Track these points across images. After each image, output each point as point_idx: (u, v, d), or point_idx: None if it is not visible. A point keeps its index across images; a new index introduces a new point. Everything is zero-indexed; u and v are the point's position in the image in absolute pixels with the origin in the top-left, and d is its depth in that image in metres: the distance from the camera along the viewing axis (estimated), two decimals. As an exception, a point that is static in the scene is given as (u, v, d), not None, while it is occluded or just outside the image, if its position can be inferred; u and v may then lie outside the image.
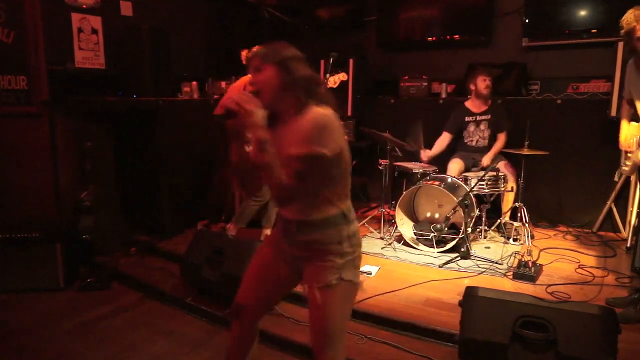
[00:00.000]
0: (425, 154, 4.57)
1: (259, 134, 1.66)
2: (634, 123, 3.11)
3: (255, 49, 3.65)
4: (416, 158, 4.58)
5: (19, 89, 3.86)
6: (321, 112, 1.72)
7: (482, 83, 4.44)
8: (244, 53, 3.76)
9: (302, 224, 1.81)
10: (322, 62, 5.43)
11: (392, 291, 3.23)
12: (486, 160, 4.36)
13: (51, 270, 3.64)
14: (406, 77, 5.43)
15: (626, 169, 3.20)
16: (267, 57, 1.78)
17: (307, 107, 1.73)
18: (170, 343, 2.91)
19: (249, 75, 3.81)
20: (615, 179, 3.62)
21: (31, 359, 2.79)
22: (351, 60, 5.32)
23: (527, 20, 4.87)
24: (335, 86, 3.79)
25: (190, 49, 5.29)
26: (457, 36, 5.33)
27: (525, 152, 4.00)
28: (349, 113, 5.42)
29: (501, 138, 4.47)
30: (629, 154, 3.14)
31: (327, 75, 3.57)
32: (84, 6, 4.32)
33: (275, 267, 1.93)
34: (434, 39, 5.48)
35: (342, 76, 3.85)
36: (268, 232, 4.09)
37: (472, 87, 4.51)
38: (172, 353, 2.83)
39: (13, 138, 3.91)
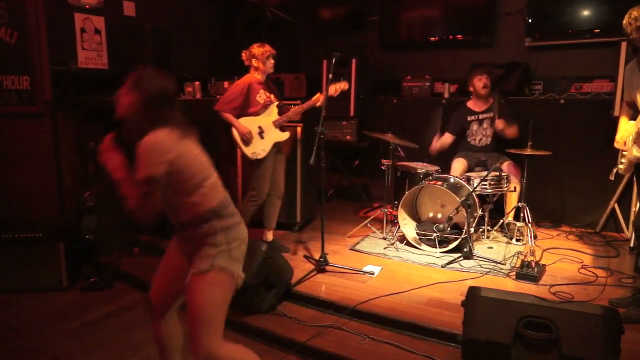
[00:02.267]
0: (437, 140, 4.60)
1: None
2: (631, 122, 3.12)
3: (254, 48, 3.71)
4: (419, 158, 4.57)
5: (22, 89, 3.87)
6: (150, 137, 1.86)
7: (478, 83, 4.43)
8: (244, 54, 3.77)
9: (179, 224, 2.01)
10: (325, 62, 5.44)
11: (396, 293, 3.23)
12: (500, 123, 4.30)
13: (54, 270, 3.65)
14: (409, 77, 5.43)
15: (622, 167, 3.19)
16: (134, 84, 1.96)
17: (149, 131, 1.88)
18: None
19: (252, 75, 3.83)
20: (611, 178, 3.61)
21: (34, 357, 2.79)
22: (353, 61, 5.32)
23: (529, 20, 4.86)
24: (335, 95, 3.79)
25: (192, 49, 5.30)
26: (459, 36, 5.33)
27: (528, 152, 3.99)
28: (352, 113, 5.42)
29: (514, 127, 4.40)
30: (624, 152, 3.14)
31: (330, 75, 3.56)
32: (87, 6, 4.33)
33: (176, 262, 2.09)
34: (436, 39, 5.48)
35: (343, 85, 3.84)
36: (270, 234, 4.09)
37: (471, 88, 4.51)
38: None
39: (16, 138, 3.92)
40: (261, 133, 3.79)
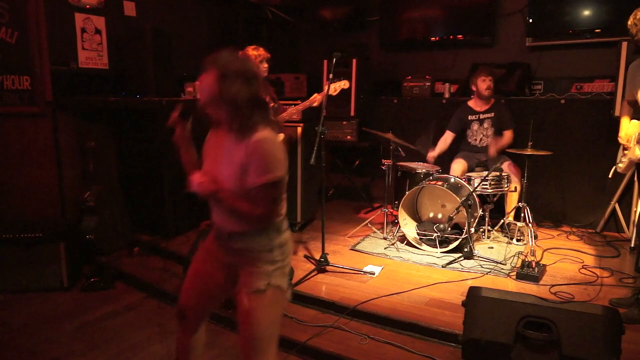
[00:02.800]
0: (431, 155, 4.57)
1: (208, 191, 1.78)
2: (634, 121, 3.12)
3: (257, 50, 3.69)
4: (419, 158, 4.58)
5: (22, 89, 3.88)
6: (264, 137, 1.75)
7: (482, 84, 4.42)
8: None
9: (234, 233, 1.85)
10: (325, 62, 5.44)
11: (396, 293, 3.22)
12: (492, 150, 4.32)
13: (55, 269, 3.65)
14: (409, 77, 5.43)
15: (621, 165, 3.19)
16: (214, 63, 1.76)
17: (253, 130, 1.75)
18: (173, 343, 2.90)
19: None
20: (610, 175, 3.62)
21: (34, 358, 2.79)
22: (354, 61, 5.32)
23: (530, 20, 4.86)
24: (335, 94, 3.77)
25: (193, 49, 5.30)
26: (460, 36, 5.33)
27: (529, 152, 3.99)
28: (352, 113, 5.42)
29: (507, 134, 4.45)
30: (625, 151, 3.14)
31: (330, 75, 3.55)
32: (88, 6, 4.33)
33: (211, 273, 1.97)
34: (437, 38, 5.48)
35: (343, 84, 3.83)
36: None
37: (474, 87, 4.50)
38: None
39: (17, 138, 3.93)
40: None
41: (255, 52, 3.67)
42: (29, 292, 3.59)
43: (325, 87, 3.68)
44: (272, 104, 3.86)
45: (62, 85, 4.02)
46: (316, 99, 3.80)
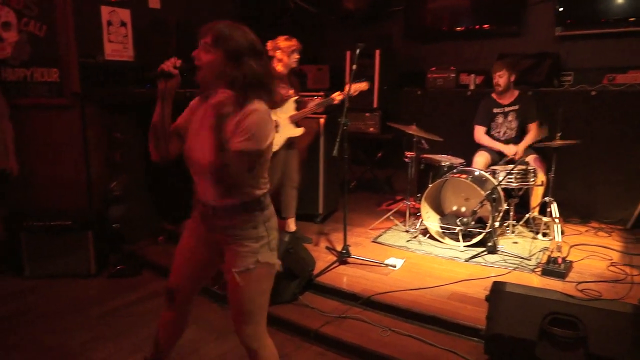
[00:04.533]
0: (515, 149, 4.31)
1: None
2: None
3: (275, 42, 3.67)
4: (442, 150, 4.50)
5: (51, 81, 3.96)
6: (258, 109, 1.72)
7: (498, 79, 4.31)
8: (269, 44, 3.76)
9: (218, 209, 1.84)
10: (348, 53, 5.41)
11: (419, 288, 3.20)
12: (519, 151, 4.25)
13: (83, 257, 3.75)
14: (434, 68, 5.36)
15: None
16: (219, 42, 1.72)
17: (251, 102, 1.73)
18: (196, 330, 2.95)
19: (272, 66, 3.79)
20: None
21: (61, 343, 2.87)
22: (377, 51, 5.28)
23: (560, 9, 4.73)
24: (354, 94, 3.74)
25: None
26: (486, 26, 5.22)
27: (557, 143, 3.89)
28: (375, 105, 5.39)
29: (532, 129, 4.36)
30: None
31: (354, 67, 3.52)
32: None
33: (197, 251, 1.98)
34: (462, 28, 5.38)
35: (363, 86, 3.78)
36: (292, 223, 4.10)
37: (494, 81, 4.40)
38: (198, 340, 2.87)
39: (46, 129, 4.02)
40: (276, 127, 3.79)
41: (288, 42, 3.67)
42: (59, 278, 3.69)
43: (347, 88, 3.65)
44: (296, 97, 3.87)
45: (89, 77, 4.08)
46: (336, 98, 3.77)
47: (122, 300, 3.42)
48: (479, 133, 4.51)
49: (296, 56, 3.73)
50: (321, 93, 4.16)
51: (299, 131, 3.88)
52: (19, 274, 3.71)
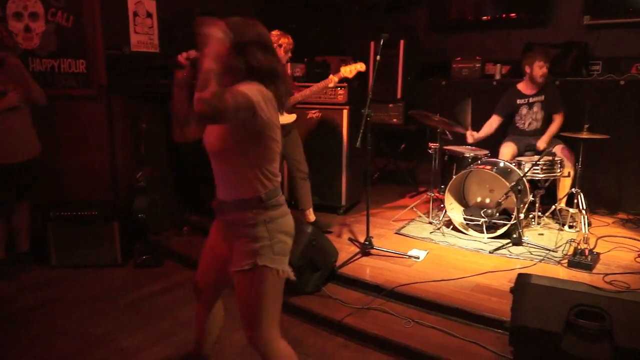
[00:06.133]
0: (472, 136, 4.43)
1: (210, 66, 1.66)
2: None
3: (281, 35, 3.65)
4: (465, 142, 4.46)
5: (78, 72, 4.02)
6: (262, 88, 1.73)
7: (538, 70, 4.21)
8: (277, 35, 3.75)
9: (225, 204, 1.85)
10: (372, 43, 5.37)
11: (442, 280, 3.18)
12: (542, 143, 4.18)
13: (110, 247, 3.82)
14: (459, 59, 5.29)
15: None
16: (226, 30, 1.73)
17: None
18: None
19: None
20: None
21: (87, 331, 2.93)
22: (401, 42, 5.22)
23: (589, -3, 4.61)
24: (351, 76, 3.70)
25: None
26: (513, 14, 5.12)
27: (585, 135, 3.82)
28: (399, 95, 5.34)
29: (557, 119, 4.28)
30: None
31: (378, 57, 3.49)
32: (139, -9, 4.43)
33: (218, 247, 1.98)
34: (488, 18, 5.29)
35: (359, 66, 3.73)
36: (310, 214, 4.10)
37: (528, 69, 4.29)
38: (224, 329, 2.89)
39: (72, 120, 4.09)
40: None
41: (287, 40, 3.66)
42: (84, 268, 3.77)
43: (341, 70, 3.63)
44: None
45: (115, 68, 4.14)
46: (331, 79, 3.72)
47: (147, 289, 3.48)
48: (488, 122, 4.47)
49: (290, 55, 3.72)
50: (344, 85, 4.13)
51: (291, 117, 3.82)
52: (46, 264, 3.78)
